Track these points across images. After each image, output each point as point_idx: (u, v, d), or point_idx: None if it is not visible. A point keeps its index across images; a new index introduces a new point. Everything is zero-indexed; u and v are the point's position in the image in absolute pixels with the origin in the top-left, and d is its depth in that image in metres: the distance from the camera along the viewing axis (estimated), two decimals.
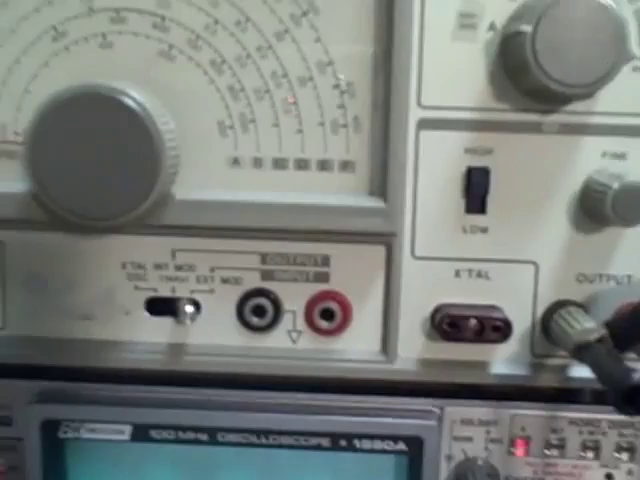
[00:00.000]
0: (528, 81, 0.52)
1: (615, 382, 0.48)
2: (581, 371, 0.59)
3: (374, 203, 0.55)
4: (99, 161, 0.51)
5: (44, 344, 0.61)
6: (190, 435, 0.61)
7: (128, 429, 0.61)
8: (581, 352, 0.53)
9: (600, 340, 0.53)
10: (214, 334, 0.61)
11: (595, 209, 0.55)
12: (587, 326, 0.54)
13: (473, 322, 0.57)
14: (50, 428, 0.61)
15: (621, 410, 0.48)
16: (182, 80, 0.55)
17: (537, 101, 0.55)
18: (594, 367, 0.51)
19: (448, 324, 0.58)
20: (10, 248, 0.60)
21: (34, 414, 0.61)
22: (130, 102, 0.51)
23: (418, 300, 0.59)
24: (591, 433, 0.61)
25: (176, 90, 0.56)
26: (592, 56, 0.50)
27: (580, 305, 0.58)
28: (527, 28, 0.49)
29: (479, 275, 0.59)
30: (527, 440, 0.62)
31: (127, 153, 0.51)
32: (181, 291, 0.60)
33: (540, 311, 0.59)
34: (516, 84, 0.55)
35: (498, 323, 0.57)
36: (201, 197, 0.56)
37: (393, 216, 0.55)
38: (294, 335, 0.60)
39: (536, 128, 0.56)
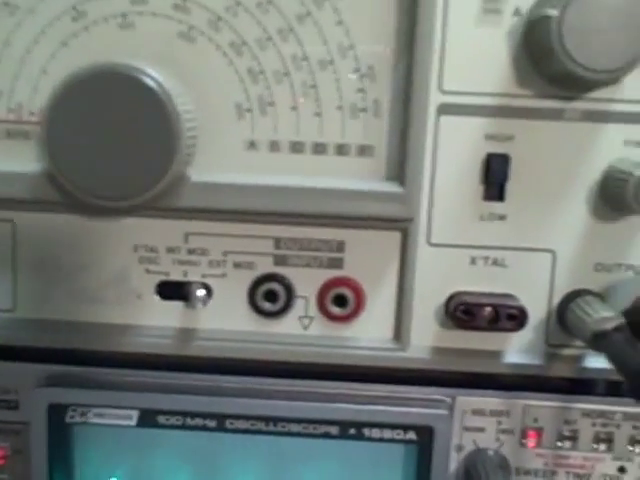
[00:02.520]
0: (552, 66, 0.53)
1: (632, 371, 0.49)
2: (596, 362, 0.60)
3: (391, 188, 0.56)
4: (116, 141, 0.52)
5: (54, 327, 0.61)
6: (198, 421, 0.61)
7: (135, 414, 0.62)
8: (598, 341, 0.53)
9: (617, 329, 0.53)
10: (225, 319, 0.61)
11: (616, 197, 0.55)
12: (604, 314, 0.54)
13: (488, 310, 0.58)
14: (57, 412, 0.61)
15: (637, 399, 0.48)
16: (201, 62, 0.56)
17: (560, 87, 0.56)
18: (611, 356, 0.52)
19: (463, 312, 0.58)
20: (21, 229, 0.60)
21: (41, 398, 0.61)
22: (149, 81, 0.51)
23: (433, 287, 0.60)
24: (604, 425, 0.62)
25: (195, 72, 0.56)
26: (619, 42, 0.50)
27: (597, 295, 0.59)
28: (554, 12, 0.50)
29: (495, 263, 0.59)
30: (539, 431, 0.62)
31: (144, 133, 0.51)
32: (193, 275, 0.60)
33: (556, 300, 0.59)
34: (540, 70, 0.55)
35: (513, 311, 0.57)
36: (216, 179, 0.56)
37: (410, 201, 0.56)
38: (306, 321, 0.61)
39: (558, 115, 0.56)
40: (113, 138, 0.52)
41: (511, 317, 0.57)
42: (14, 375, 0.63)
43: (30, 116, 0.57)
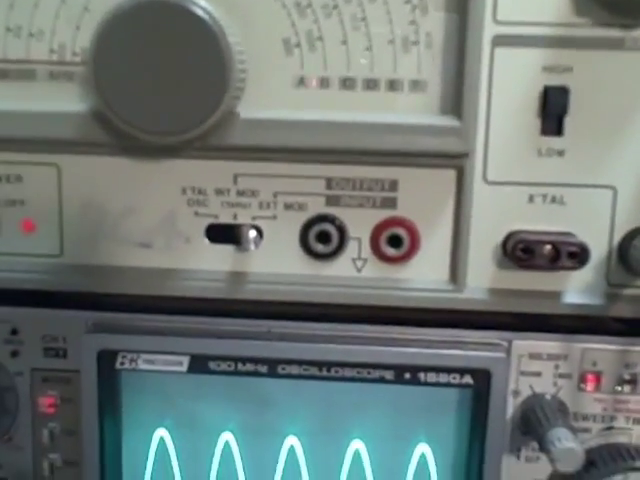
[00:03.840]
0: None
1: None
2: None
3: (447, 122, 0.55)
4: (165, 75, 0.52)
5: (101, 272, 0.62)
6: (249, 367, 0.62)
7: (186, 360, 0.62)
8: None
9: None
10: (277, 262, 0.61)
11: None
12: None
13: (548, 248, 0.57)
14: (107, 359, 0.62)
15: None
16: None
17: (620, 15, 0.55)
18: None
19: (522, 250, 0.57)
20: (67, 172, 0.60)
21: (90, 344, 0.62)
22: (199, 11, 0.51)
23: (489, 227, 0.59)
24: None
25: (242, 5, 0.55)
26: None
27: None
28: None
29: (554, 200, 0.59)
30: (598, 375, 0.62)
31: (194, 66, 0.52)
32: (243, 217, 0.60)
33: (618, 238, 0.59)
34: None
35: (574, 249, 0.57)
36: (266, 116, 0.56)
37: (467, 135, 0.55)
38: (359, 263, 0.61)
39: (618, 44, 0.55)
40: (162, 72, 0.52)
41: (572, 255, 0.57)
42: (62, 322, 0.64)
43: (73, 56, 0.57)
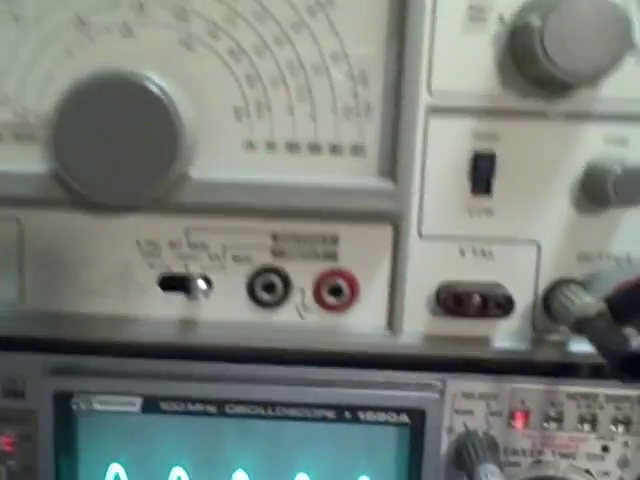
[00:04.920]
0: (535, 70, 0.57)
1: (613, 351, 0.52)
2: (580, 346, 0.64)
3: (384, 184, 0.59)
4: (120, 143, 0.55)
5: (59, 318, 0.65)
6: (199, 407, 0.65)
7: (139, 401, 0.65)
8: (581, 326, 0.57)
9: (599, 315, 0.57)
10: (225, 310, 0.65)
11: (597, 191, 0.59)
12: (587, 301, 0.58)
13: (477, 298, 0.62)
14: (62, 400, 0.65)
15: (620, 378, 0.52)
16: (201, 68, 0.59)
17: (543, 89, 0.60)
18: (593, 339, 0.56)
19: (453, 300, 0.62)
20: (28, 226, 0.64)
21: (47, 386, 0.65)
22: (152, 87, 0.55)
23: (424, 277, 0.64)
24: (588, 407, 0.66)
25: (195, 77, 0.59)
26: (597, 49, 0.54)
27: (581, 283, 0.63)
28: (536, 22, 0.54)
29: (483, 254, 0.63)
30: (526, 413, 0.66)
31: (147, 135, 0.55)
32: (194, 268, 0.64)
33: (542, 288, 0.64)
34: (523, 73, 0.59)
35: (501, 299, 0.61)
36: (216, 177, 0.60)
37: (402, 196, 0.59)
38: (302, 311, 0.65)
39: (541, 115, 0.60)
40: (117, 140, 0.55)
41: (499, 305, 0.61)
42: (20, 365, 0.67)
43: (36, 120, 0.61)
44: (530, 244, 0.63)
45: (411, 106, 0.59)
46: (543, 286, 0.64)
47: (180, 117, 0.55)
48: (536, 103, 0.60)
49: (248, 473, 0.68)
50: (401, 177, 0.59)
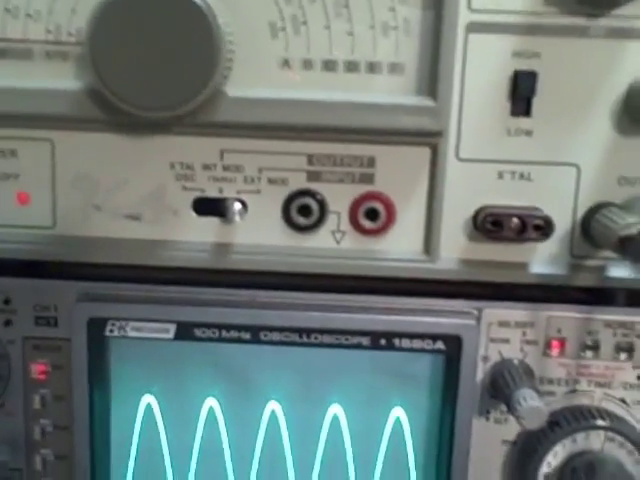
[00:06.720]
0: None
1: None
2: (617, 271, 0.64)
3: (423, 102, 0.60)
4: (158, 54, 0.56)
5: (93, 243, 0.65)
6: (233, 334, 0.66)
7: (173, 328, 0.66)
8: (624, 245, 0.57)
9: None
10: (260, 234, 0.65)
11: (639, 112, 0.59)
12: (630, 220, 0.58)
13: (515, 221, 0.62)
14: (96, 326, 0.65)
15: None
16: None
17: (585, 5, 0.59)
18: (637, 259, 0.55)
19: (491, 223, 0.62)
20: (60, 148, 0.64)
21: (81, 312, 0.66)
22: None
23: (461, 201, 0.64)
24: (625, 335, 0.66)
25: None
26: None
27: (620, 207, 0.63)
28: None
29: (522, 177, 0.63)
30: (562, 341, 0.66)
31: (186, 46, 0.56)
32: (228, 191, 0.64)
33: (581, 213, 0.63)
34: None
35: (539, 221, 0.62)
36: (252, 95, 0.60)
37: (441, 114, 0.59)
38: (338, 235, 0.65)
39: (584, 32, 0.60)
40: (155, 52, 0.56)
41: (537, 227, 0.62)
42: (53, 292, 0.67)
43: (69, 37, 0.61)
44: (569, 167, 0.63)
45: (451, 22, 0.58)
46: (582, 210, 0.63)
47: (220, 26, 0.55)
48: (579, 19, 0.58)
49: (281, 404, 0.69)
50: (441, 94, 0.59)
